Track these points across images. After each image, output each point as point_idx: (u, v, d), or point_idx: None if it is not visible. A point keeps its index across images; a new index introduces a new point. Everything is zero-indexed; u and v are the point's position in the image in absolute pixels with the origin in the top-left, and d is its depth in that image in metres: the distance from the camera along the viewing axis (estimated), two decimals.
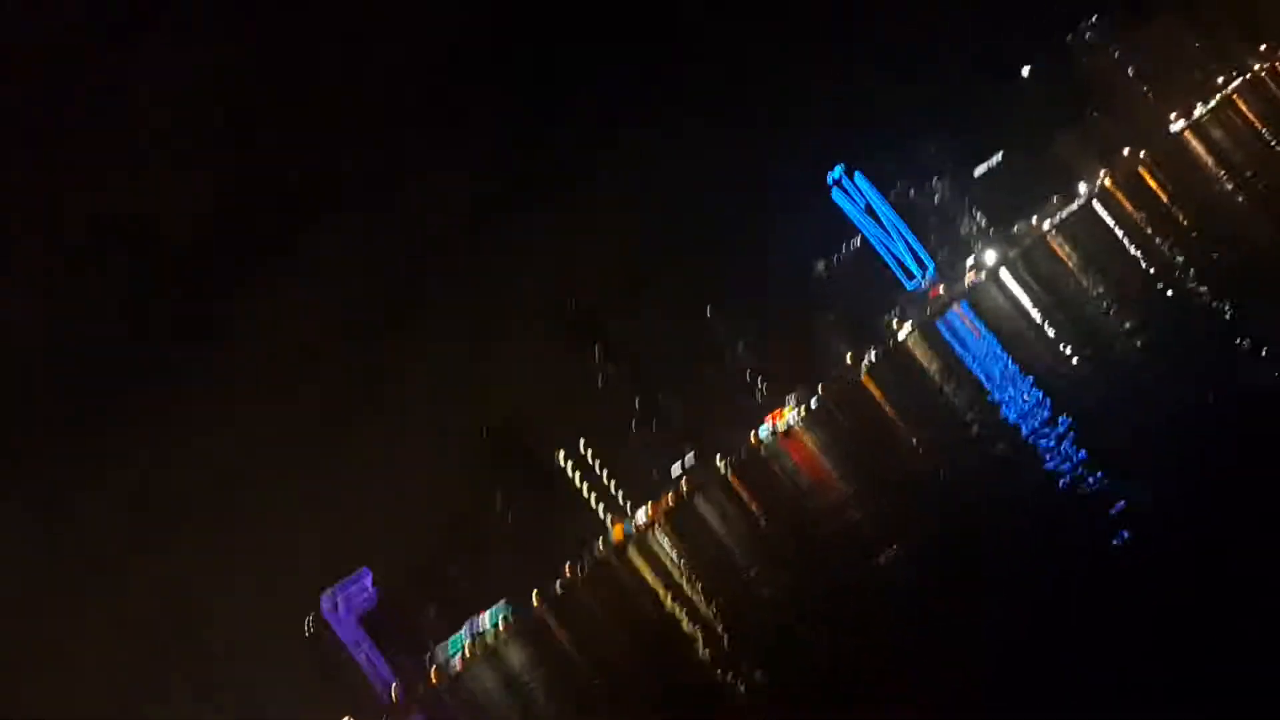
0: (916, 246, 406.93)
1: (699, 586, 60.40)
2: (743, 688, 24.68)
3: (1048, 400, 32.38)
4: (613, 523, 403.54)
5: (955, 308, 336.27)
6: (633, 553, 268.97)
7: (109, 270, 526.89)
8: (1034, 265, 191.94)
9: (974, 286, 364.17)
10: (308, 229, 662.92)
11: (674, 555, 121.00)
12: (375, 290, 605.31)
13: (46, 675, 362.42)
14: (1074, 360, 37.20)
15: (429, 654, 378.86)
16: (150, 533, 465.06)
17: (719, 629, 37.46)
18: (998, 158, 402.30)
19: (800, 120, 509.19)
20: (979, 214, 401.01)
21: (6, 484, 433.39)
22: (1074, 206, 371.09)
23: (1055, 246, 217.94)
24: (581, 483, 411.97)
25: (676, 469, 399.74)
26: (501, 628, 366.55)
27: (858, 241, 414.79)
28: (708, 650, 33.67)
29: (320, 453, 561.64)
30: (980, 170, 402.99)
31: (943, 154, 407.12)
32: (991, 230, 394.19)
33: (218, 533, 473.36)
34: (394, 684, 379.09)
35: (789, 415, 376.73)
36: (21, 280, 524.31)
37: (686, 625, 47.65)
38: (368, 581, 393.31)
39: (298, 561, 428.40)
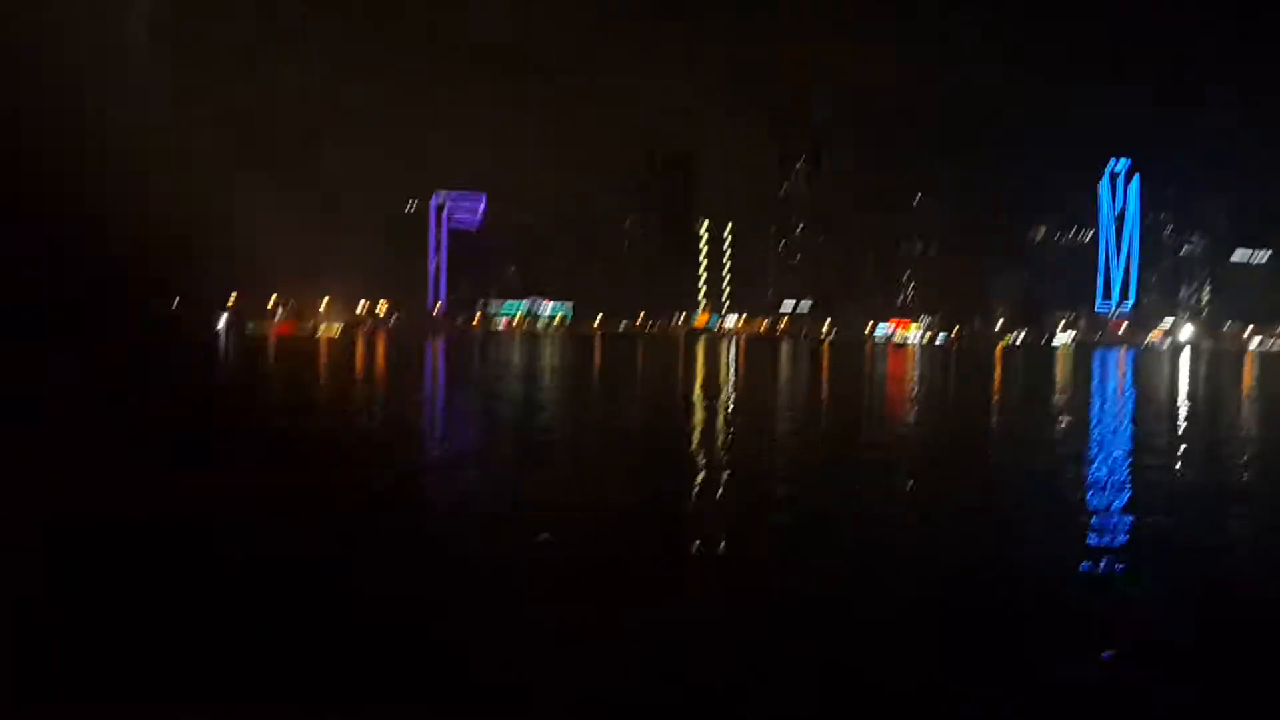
0: (1134, 277, 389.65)
1: (714, 404, 58.44)
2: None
3: (1127, 490, 28.37)
4: (707, 309, 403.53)
5: (1122, 350, 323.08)
6: (699, 341, 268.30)
7: None
8: (1215, 365, 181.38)
9: (1151, 345, 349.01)
10: None
11: (728, 368, 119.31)
12: None
13: None
14: (1181, 470, 32.97)
15: (484, 299, 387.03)
16: None
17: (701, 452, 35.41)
18: (1264, 255, 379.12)
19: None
20: (1207, 288, 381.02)
21: None
22: None
23: (1249, 362, 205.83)
24: (707, 257, 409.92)
25: (789, 305, 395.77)
26: (556, 321, 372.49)
27: (1088, 236, 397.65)
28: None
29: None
30: (1239, 256, 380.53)
31: (1223, 218, 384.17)
32: (1205, 311, 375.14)
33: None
34: (439, 301, 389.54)
35: (912, 332, 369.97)
36: None
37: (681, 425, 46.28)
38: (480, 205, 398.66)
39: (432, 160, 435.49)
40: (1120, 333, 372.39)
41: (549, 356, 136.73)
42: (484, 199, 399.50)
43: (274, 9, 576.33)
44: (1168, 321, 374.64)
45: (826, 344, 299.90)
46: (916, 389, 79.35)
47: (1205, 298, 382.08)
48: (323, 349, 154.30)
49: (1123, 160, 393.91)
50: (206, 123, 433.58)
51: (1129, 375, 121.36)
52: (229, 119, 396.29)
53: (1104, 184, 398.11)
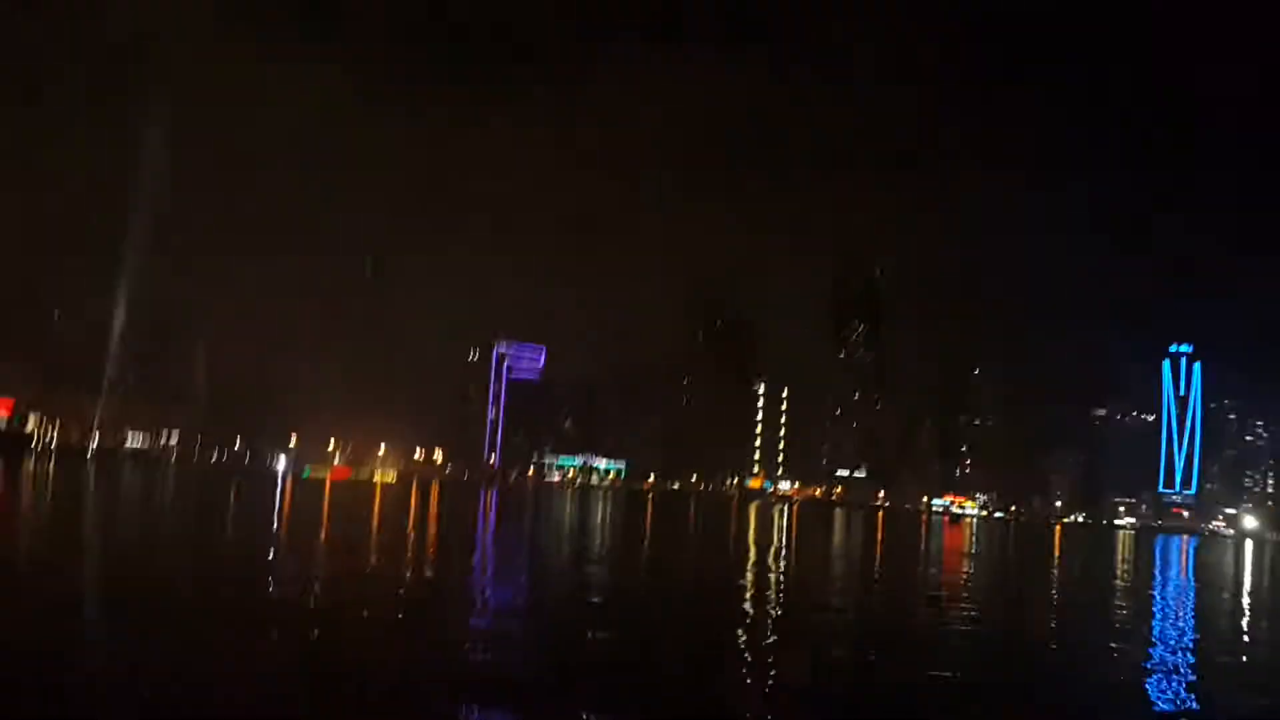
0: (1197, 464, 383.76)
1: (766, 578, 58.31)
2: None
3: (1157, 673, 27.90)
4: (762, 473, 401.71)
5: (1184, 538, 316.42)
6: (751, 505, 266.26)
7: None
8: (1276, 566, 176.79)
9: (1214, 534, 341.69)
10: None
11: (779, 535, 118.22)
12: None
13: None
14: (1226, 663, 32.30)
15: (540, 451, 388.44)
16: None
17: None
18: None
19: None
20: (1271, 479, 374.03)
21: None
22: None
23: None
24: (766, 425, 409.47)
25: (845, 472, 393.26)
26: (610, 478, 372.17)
27: (1150, 418, 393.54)
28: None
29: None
30: None
31: None
32: (1270, 501, 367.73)
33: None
34: (494, 452, 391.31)
35: (970, 506, 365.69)
36: None
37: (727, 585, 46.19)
38: (540, 358, 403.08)
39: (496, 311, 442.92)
40: (1183, 519, 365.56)
41: (601, 514, 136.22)
42: (544, 351, 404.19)
43: (337, 160, 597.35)
44: (1231, 511, 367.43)
45: (881, 513, 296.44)
46: (975, 565, 77.96)
47: (1270, 488, 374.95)
48: (376, 495, 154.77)
49: (1185, 345, 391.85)
50: (274, 270, 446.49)
51: (1190, 563, 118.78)
52: (295, 266, 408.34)
53: (1166, 366, 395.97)
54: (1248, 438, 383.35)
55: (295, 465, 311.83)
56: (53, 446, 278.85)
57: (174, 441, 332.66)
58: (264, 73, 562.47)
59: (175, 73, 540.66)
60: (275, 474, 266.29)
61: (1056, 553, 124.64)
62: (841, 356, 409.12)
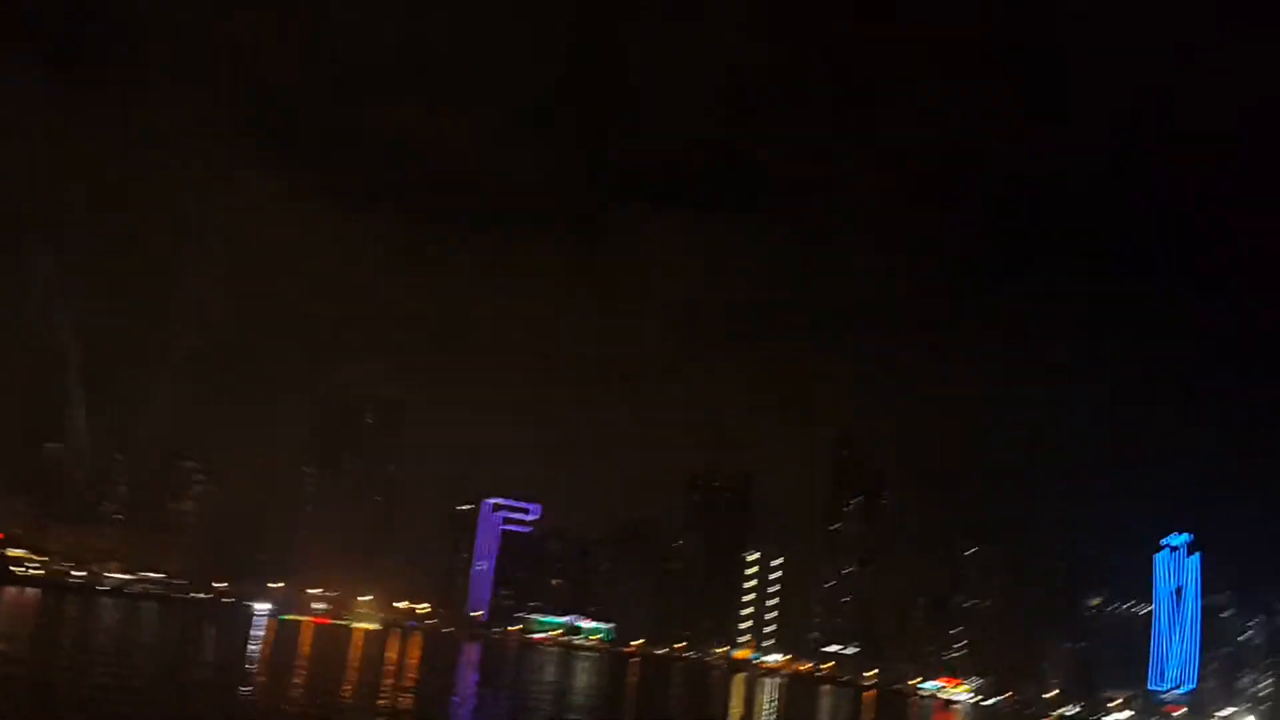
0: (1194, 659, 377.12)
1: None
2: None
3: None
4: (750, 643, 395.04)
5: None
6: (737, 678, 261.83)
7: None
8: None
9: None
10: None
11: (767, 704, 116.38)
12: None
13: None
14: None
15: (525, 611, 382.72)
16: None
17: None
18: None
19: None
20: (1269, 679, 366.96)
21: None
22: None
23: None
24: (757, 594, 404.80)
25: (835, 648, 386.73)
26: (592, 640, 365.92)
27: (1142, 609, 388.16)
28: None
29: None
30: None
31: None
32: (1268, 704, 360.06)
33: None
34: (481, 609, 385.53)
35: (962, 692, 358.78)
36: None
37: None
38: (533, 514, 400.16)
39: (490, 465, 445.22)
40: (1176, 716, 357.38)
41: (580, 681, 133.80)
42: (539, 509, 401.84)
43: (343, 309, 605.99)
44: (1227, 712, 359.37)
45: (870, 695, 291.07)
46: None
47: (1268, 689, 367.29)
48: (354, 645, 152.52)
49: (1183, 535, 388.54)
50: (271, 415, 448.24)
51: None
52: (293, 413, 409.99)
53: (1161, 558, 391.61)
54: (1244, 635, 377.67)
55: (276, 609, 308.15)
56: (37, 577, 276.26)
57: (157, 578, 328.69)
58: (281, 223, 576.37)
59: (182, 212, 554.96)
60: (254, 616, 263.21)
61: None
62: (837, 528, 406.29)
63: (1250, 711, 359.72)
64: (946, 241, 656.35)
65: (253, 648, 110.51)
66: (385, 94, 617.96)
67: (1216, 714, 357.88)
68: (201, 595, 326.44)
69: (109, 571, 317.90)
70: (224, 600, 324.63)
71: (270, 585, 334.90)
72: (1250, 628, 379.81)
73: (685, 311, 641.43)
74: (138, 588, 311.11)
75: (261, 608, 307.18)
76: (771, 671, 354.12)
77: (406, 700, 68.06)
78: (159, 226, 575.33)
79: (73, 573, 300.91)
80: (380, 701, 64.50)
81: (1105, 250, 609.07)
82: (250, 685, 62.44)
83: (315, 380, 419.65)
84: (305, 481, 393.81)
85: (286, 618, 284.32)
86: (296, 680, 71.96)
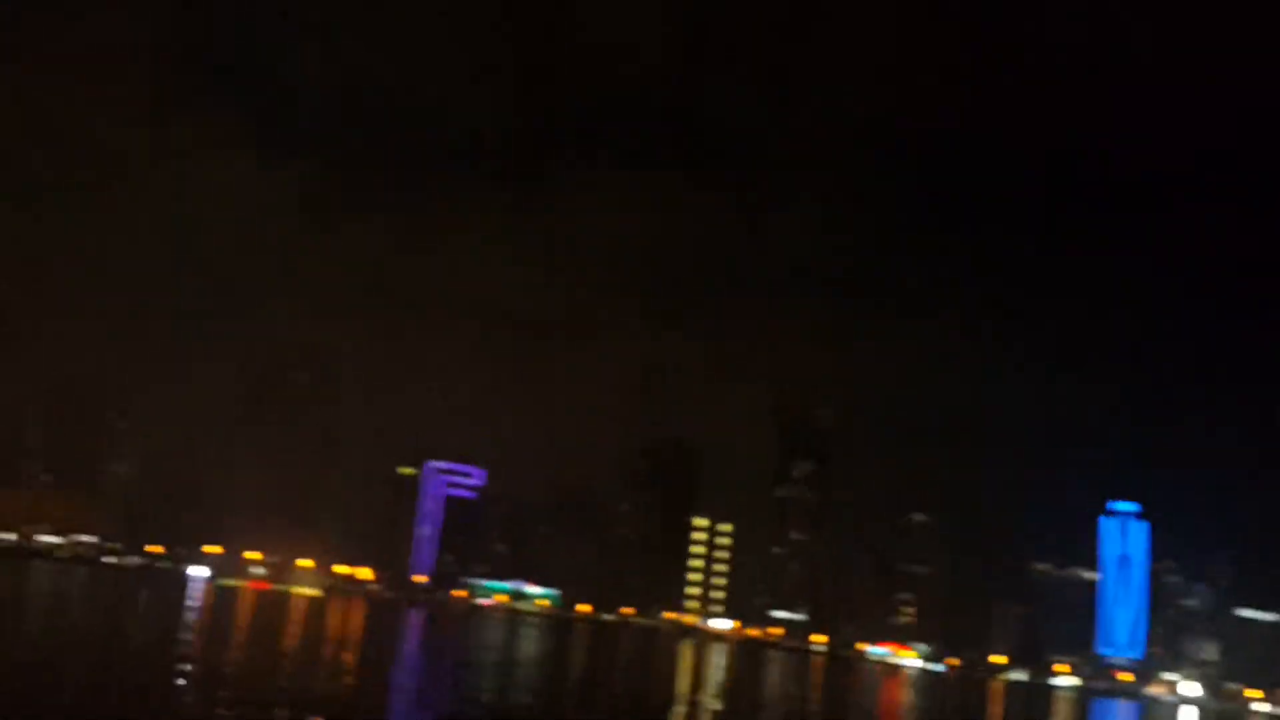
0: (1142, 626, 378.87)
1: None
2: None
3: None
4: (698, 609, 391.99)
5: (1122, 701, 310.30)
6: (685, 643, 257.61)
7: None
8: None
9: (1153, 699, 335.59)
10: None
11: (715, 669, 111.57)
12: None
13: None
14: None
15: (469, 576, 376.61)
16: None
17: None
18: (1272, 616, 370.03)
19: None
20: (1214, 644, 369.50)
21: None
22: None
23: None
24: (707, 557, 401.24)
25: (784, 614, 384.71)
26: (539, 605, 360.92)
27: (1090, 575, 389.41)
28: None
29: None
30: (1247, 612, 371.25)
31: (1231, 571, 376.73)
32: (1212, 670, 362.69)
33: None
34: (424, 574, 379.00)
35: (909, 658, 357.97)
36: None
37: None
38: (476, 479, 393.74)
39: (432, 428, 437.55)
40: (1123, 681, 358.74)
41: (527, 646, 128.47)
42: (483, 474, 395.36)
43: (278, 260, 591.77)
44: (1172, 676, 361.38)
45: (818, 661, 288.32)
46: None
47: (1212, 654, 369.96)
48: (293, 612, 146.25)
49: (1130, 503, 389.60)
50: (204, 371, 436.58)
51: None
52: (227, 369, 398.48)
53: (1107, 524, 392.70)
54: (1189, 601, 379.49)
55: (213, 574, 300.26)
56: None
57: (87, 541, 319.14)
58: (211, 169, 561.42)
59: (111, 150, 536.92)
60: (190, 581, 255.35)
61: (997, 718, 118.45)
62: (783, 494, 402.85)
63: (1194, 676, 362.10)
64: (895, 201, 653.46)
65: (189, 615, 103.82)
66: (326, 39, 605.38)
67: (1162, 678, 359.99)
68: (135, 559, 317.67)
69: (38, 534, 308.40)
70: (158, 564, 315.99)
71: (205, 550, 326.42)
72: (1195, 594, 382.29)
73: (629, 271, 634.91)
74: (69, 551, 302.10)
75: (197, 572, 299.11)
76: (720, 637, 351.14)
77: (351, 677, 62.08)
78: (86, 165, 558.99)
79: (0, 535, 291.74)
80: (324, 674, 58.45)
81: (1057, 214, 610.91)
82: (186, 656, 56.10)
83: (247, 337, 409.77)
84: (236, 441, 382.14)
85: (224, 583, 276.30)
86: (234, 652, 65.52)
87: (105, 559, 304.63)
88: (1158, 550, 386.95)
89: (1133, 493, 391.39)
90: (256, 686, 47.13)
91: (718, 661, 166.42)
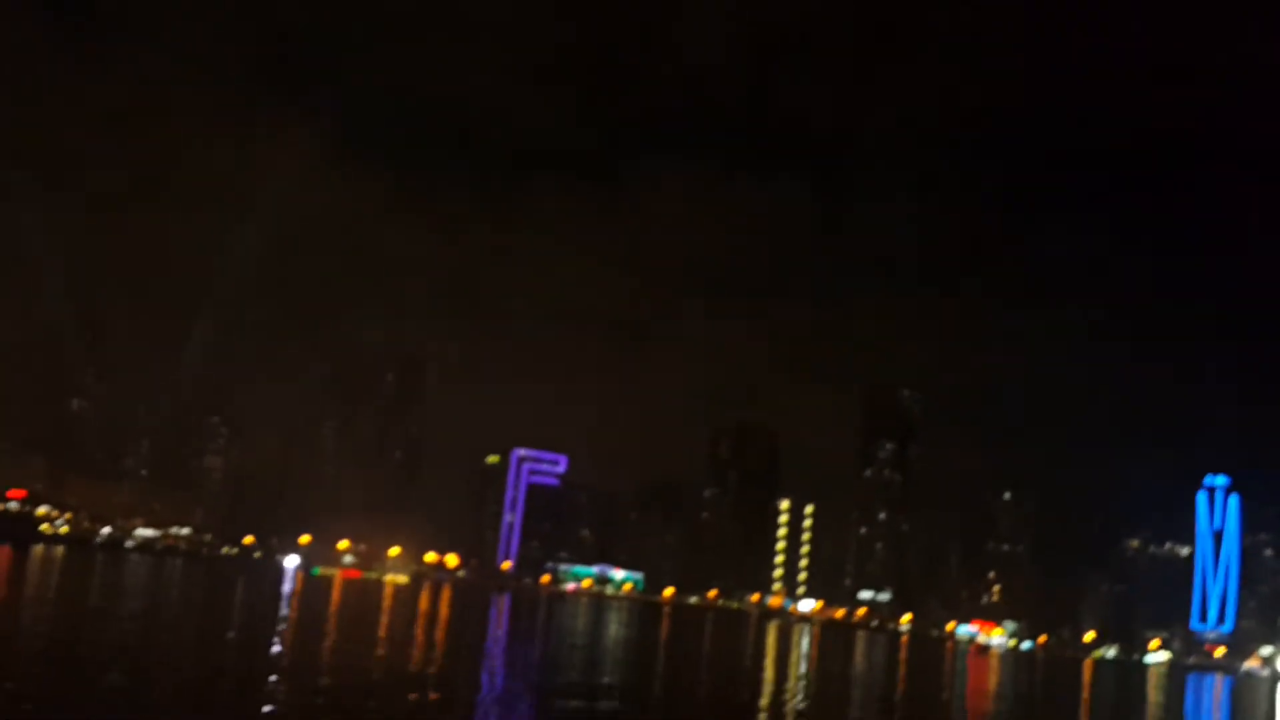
0: (1233, 600, 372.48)
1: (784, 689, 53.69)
2: None
3: None
4: (783, 591, 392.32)
5: (1218, 677, 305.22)
6: (770, 625, 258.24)
7: None
8: None
9: (1250, 673, 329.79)
10: None
11: (801, 653, 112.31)
12: None
13: None
14: None
15: (554, 562, 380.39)
16: None
17: None
18: None
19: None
20: None
21: None
22: None
23: None
24: (789, 542, 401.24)
25: (869, 594, 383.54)
26: (624, 589, 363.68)
27: (1184, 551, 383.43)
28: None
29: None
30: None
31: None
32: None
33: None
34: (509, 558, 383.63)
35: (998, 636, 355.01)
36: None
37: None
38: (561, 466, 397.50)
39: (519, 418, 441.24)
40: (1216, 656, 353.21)
41: (614, 631, 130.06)
42: (565, 460, 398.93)
43: (370, 264, 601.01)
44: (1267, 649, 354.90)
45: (905, 639, 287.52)
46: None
47: None
48: (385, 599, 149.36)
49: (1221, 476, 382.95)
50: (298, 369, 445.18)
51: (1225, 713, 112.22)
52: (320, 367, 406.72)
53: (1201, 498, 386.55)
54: None
55: (305, 563, 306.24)
56: (63, 534, 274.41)
57: (184, 533, 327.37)
58: (303, 176, 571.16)
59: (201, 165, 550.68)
60: (284, 571, 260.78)
61: (1085, 697, 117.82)
62: (869, 475, 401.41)
63: None
64: (980, 191, 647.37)
65: (285, 603, 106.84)
66: (403, 42, 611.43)
67: (1257, 652, 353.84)
68: (229, 550, 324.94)
69: (135, 528, 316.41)
70: (252, 555, 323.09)
71: (298, 540, 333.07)
72: None
73: (708, 267, 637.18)
74: (164, 543, 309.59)
75: (290, 562, 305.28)
76: (805, 618, 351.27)
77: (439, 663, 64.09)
78: (176, 180, 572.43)
79: (99, 529, 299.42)
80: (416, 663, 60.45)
81: (1141, 198, 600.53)
82: (288, 639, 58.54)
83: (337, 338, 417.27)
84: (326, 438, 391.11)
85: (316, 571, 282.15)
86: (331, 637, 67.91)
87: (200, 551, 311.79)
88: (1250, 523, 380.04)
89: (1225, 466, 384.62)
90: (358, 666, 49.07)
91: (805, 642, 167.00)
